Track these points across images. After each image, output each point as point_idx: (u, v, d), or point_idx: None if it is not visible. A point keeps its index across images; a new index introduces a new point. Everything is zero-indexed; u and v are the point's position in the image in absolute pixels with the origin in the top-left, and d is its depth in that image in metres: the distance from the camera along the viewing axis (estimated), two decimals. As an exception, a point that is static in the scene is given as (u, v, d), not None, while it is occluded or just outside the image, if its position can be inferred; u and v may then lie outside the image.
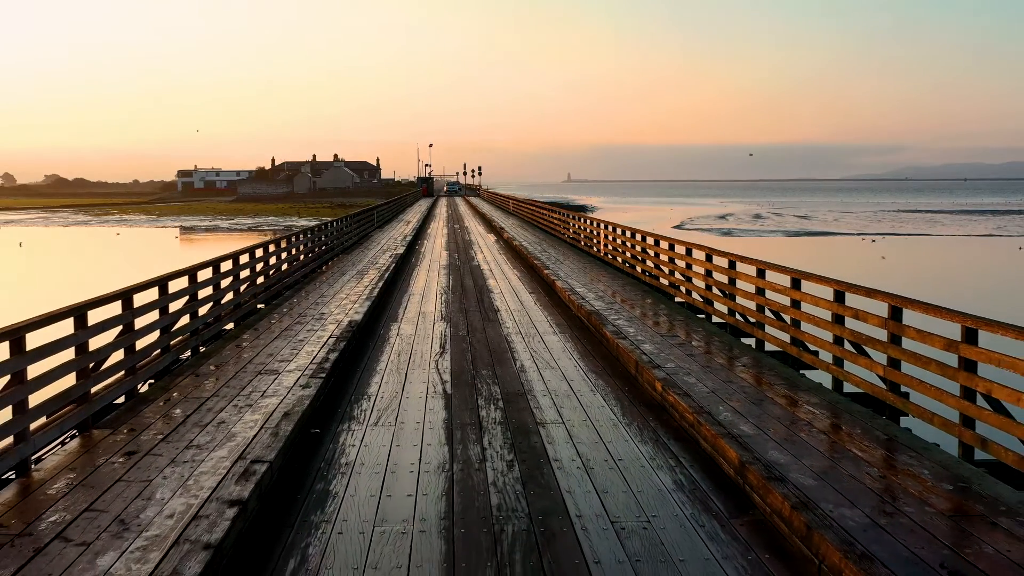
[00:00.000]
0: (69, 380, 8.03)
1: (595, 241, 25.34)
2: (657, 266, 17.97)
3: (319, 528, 6.02)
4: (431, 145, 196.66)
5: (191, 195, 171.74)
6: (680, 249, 16.21)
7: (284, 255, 18.54)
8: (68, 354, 8.06)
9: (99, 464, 7.15)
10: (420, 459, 7.45)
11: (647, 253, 18.84)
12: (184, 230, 70.90)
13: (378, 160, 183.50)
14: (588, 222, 27.65)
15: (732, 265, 13.34)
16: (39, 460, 7.39)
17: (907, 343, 8.48)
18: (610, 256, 22.91)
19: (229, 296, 13.92)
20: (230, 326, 13.84)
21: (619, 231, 22.07)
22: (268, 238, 20.05)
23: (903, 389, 8.53)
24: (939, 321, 7.84)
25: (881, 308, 8.74)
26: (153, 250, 53.46)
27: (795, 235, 67.19)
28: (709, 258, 14.48)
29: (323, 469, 7.29)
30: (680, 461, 7.47)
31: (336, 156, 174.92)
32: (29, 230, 73.16)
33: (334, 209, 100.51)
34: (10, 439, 6.97)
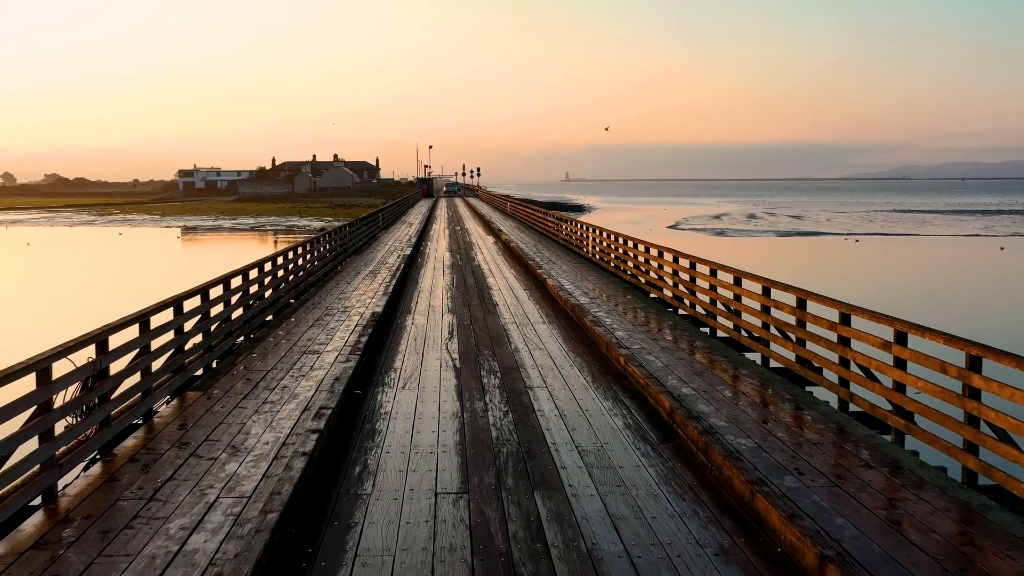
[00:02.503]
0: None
1: (585, 244, 27.89)
2: (636, 267, 20.54)
3: (372, 450, 8.62)
4: (431, 147, 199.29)
5: (192, 195, 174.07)
6: (654, 252, 18.79)
7: (308, 256, 21.09)
8: (167, 336, 10.60)
9: (201, 414, 9.68)
10: (439, 410, 10.06)
11: (628, 255, 21.41)
12: (186, 230, 73.02)
13: (377, 160, 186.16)
14: (579, 226, 30.19)
15: (693, 266, 15.92)
16: (155, 412, 9.93)
17: (810, 327, 11.03)
18: (598, 257, 25.46)
19: (268, 292, 16.45)
20: (269, 318, 16.39)
21: (605, 235, 24.63)
22: (297, 241, 22.55)
23: (816, 364, 11.07)
24: (828, 309, 10.39)
25: (791, 299, 11.32)
26: (158, 250, 55.88)
27: (786, 235, 69.50)
28: (676, 260, 17.05)
29: (368, 416, 9.89)
30: (631, 411, 10.08)
31: (336, 156, 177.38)
32: (35, 230, 75.27)
33: (334, 209, 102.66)
34: (139, 395, 9.51)
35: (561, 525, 6.72)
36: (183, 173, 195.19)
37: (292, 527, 6.75)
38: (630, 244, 21.34)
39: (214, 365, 12.39)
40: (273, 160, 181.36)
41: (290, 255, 18.64)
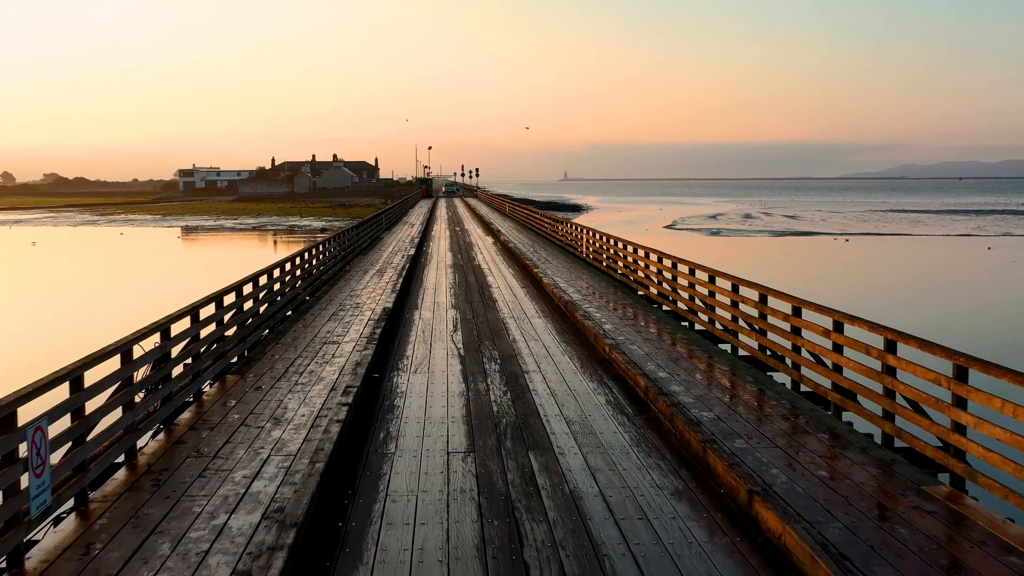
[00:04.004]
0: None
1: (579, 244, 29.46)
2: (626, 266, 22.12)
3: (392, 421, 10.24)
4: (430, 148, 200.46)
5: (193, 194, 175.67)
6: (641, 252, 20.39)
7: (321, 257, 22.68)
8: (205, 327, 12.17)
9: (243, 393, 11.26)
10: (447, 390, 11.68)
11: (619, 255, 22.99)
12: (189, 230, 74.39)
13: (376, 160, 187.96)
14: (574, 227, 31.76)
15: (674, 266, 17.51)
16: (203, 392, 11.49)
17: (770, 319, 12.61)
18: (591, 257, 27.04)
19: (287, 289, 18.02)
20: (289, 313, 17.96)
21: (598, 236, 26.22)
22: (311, 243, 24.12)
23: (779, 353, 12.63)
24: (784, 303, 11.97)
25: (753, 294, 12.92)
26: (166, 250, 57.38)
27: (781, 235, 70.98)
28: (660, 260, 18.65)
29: (387, 395, 11.50)
30: (612, 390, 11.70)
31: (335, 156, 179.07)
32: (39, 230, 76.71)
33: (334, 209, 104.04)
34: (190, 377, 11.07)
35: (549, 474, 8.34)
36: (183, 173, 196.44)
37: (334, 476, 8.34)
38: (620, 245, 22.92)
39: (246, 354, 13.96)
40: (273, 160, 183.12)
41: (306, 255, 20.22)
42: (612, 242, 23.94)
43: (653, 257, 19.26)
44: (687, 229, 77.96)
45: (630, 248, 21.77)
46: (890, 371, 9.08)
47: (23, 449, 6.46)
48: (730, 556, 6.62)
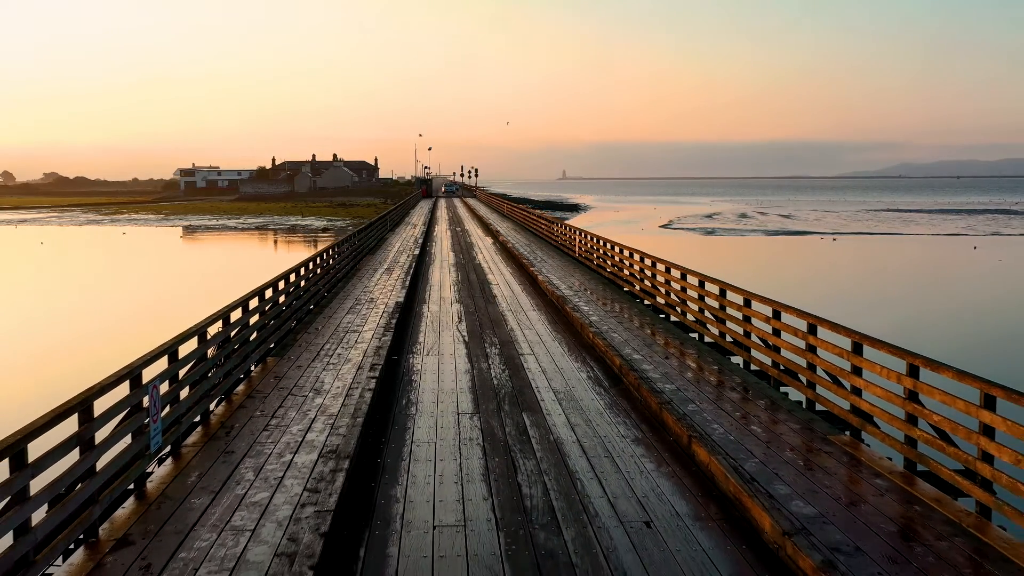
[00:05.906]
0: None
1: (573, 245, 31.68)
2: (614, 265, 24.37)
3: (411, 391, 12.51)
4: (430, 148, 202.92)
5: (193, 194, 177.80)
6: (626, 252, 22.64)
7: (336, 257, 24.92)
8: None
9: (284, 372, 13.48)
10: (455, 368, 13.94)
11: (607, 255, 25.23)
12: (191, 230, 76.40)
13: (376, 160, 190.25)
14: (568, 229, 33.97)
15: (654, 264, 19.77)
16: (251, 370, 13.71)
17: (729, 310, 14.85)
18: (583, 257, 29.28)
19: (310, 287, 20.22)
20: (312, 307, 20.19)
21: (589, 237, 28.46)
22: (327, 245, 26.31)
23: (740, 342, 14.85)
24: (738, 296, 14.21)
25: (714, 289, 15.17)
26: (170, 250, 59.49)
27: (773, 234, 73.04)
28: (642, 259, 20.90)
29: (405, 372, 13.77)
30: (593, 368, 13.97)
31: (335, 156, 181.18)
32: (45, 229, 78.67)
33: (335, 209, 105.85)
34: (242, 359, 13.29)
35: (539, 428, 10.61)
36: (184, 172, 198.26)
37: (370, 429, 10.60)
38: (608, 246, 25.16)
39: (281, 341, 16.19)
40: (273, 160, 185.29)
41: (324, 256, 22.49)
42: (601, 243, 26.17)
43: (636, 257, 21.51)
44: (683, 228, 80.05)
45: (617, 248, 24.01)
46: (811, 349, 11.33)
47: (145, 401, 8.70)
48: (669, 479, 8.90)
